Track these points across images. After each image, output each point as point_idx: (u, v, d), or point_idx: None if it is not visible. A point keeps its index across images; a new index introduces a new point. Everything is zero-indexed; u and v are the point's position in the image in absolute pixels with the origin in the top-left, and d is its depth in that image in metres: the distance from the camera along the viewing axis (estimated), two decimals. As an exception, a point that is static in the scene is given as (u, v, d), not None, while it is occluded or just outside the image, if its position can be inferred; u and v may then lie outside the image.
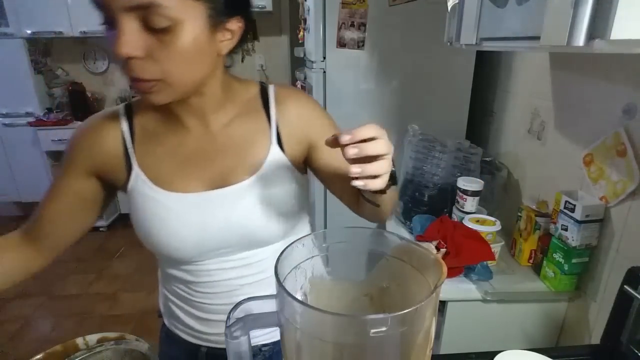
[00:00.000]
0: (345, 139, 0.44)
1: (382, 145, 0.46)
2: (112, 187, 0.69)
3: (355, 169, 0.46)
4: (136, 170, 0.63)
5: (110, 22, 0.49)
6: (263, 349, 0.77)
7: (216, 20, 0.53)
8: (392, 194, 0.60)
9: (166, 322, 0.81)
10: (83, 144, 0.64)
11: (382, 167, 0.47)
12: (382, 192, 0.52)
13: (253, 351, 0.74)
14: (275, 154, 0.65)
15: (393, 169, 0.52)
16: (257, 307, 0.42)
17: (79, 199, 0.66)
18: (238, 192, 0.64)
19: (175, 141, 0.64)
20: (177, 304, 0.75)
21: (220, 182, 0.64)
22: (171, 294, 0.76)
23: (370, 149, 0.45)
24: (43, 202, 0.66)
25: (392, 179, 0.52)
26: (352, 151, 0.45)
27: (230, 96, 0.65)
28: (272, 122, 0.65)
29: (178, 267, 0.70)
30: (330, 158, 0.67)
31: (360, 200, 0.65)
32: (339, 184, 0.70)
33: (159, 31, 0.48)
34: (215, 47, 0.56)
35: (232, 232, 0.65)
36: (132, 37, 0.47)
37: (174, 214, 0.63)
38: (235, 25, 0.57)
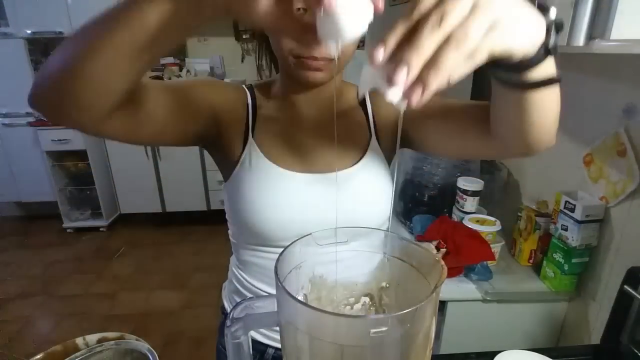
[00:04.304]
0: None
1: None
2: (217, 147, 0.69)
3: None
4: (252, 142, 0.67)
5: None
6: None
7: None
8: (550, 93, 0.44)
9: None
10: (222, 86, 0.68)
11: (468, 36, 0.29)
12: (523, 84, 0.34)
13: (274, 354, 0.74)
14: (373, 145, 0.71)
15: (548, 18, 0.34)
16: (257, 307, 0.42)
17: (193, 109, 0.62)
18: (346, 176, 0.68)
19: (291, 127, 0.70)
20: (248, 297, 0.74)
21: (329, 167, 0.69)
22: (244, 288, 0.75)
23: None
24: (160, 83, 0.58)
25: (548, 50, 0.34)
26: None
27: (340, 93, 0.73)
28: (369, 115, 0.72)
29: (263, 252, 0.69)
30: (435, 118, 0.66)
31: (495, 122, 0.54)
32: (457, 136, 0.64)
33: None
34: None
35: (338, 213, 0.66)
36: None
37: (283, 189, 0.65)
38: None
